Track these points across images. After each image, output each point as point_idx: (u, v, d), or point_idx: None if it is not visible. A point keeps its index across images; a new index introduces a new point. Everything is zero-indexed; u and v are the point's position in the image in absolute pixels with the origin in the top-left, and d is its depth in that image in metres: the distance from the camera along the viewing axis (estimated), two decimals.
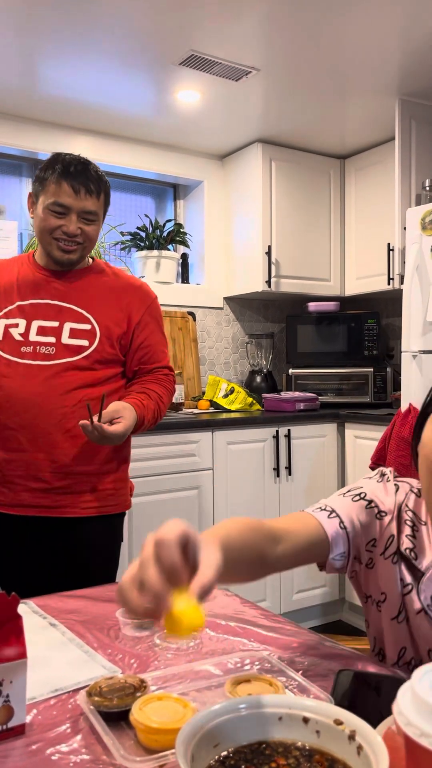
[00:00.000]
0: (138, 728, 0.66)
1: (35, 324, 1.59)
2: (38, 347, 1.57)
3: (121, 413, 1.51)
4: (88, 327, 1.60)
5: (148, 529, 2.52)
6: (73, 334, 1.59)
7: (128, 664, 0.84)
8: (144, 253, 3.25)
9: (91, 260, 1.73)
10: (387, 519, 0.91)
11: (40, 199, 1.58)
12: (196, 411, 3.06)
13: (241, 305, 3.58)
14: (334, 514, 0.91)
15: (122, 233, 3.28)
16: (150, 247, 3.25)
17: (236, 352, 3.58)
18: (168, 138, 3.23)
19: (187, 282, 3.50)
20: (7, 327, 1.59)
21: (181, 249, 3.49)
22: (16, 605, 0.69)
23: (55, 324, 1.59)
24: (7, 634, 0.68)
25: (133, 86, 2.64)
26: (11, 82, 2.60)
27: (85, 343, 1.59)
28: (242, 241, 3.35)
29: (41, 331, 1.59)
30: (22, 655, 0.68)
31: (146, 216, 3.36)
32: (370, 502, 0.93)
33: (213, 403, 3.15)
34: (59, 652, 0.87)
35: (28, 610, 1.02)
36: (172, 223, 3.37)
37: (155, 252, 3.24)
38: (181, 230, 3.35)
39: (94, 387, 1.59)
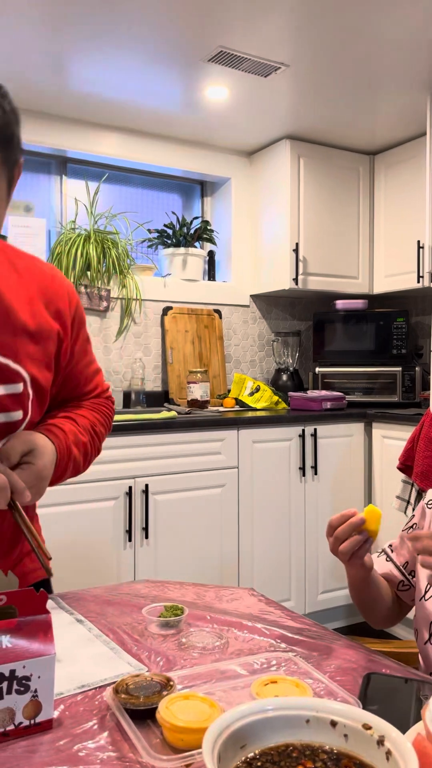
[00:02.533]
0: (164, 727, 0.65)
1: None
2: None
3: (36, 454, 0.95)
4: (19, 388, 1.01)
5: (172, 527, 2.54)
6: (1, 405, 0.99)
7: (154, 661, 0.84)
8: (171, 250, 3.25)
9: None
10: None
11: None
12: (221, 409, 3.06)
13: (268, 303, 3.57)
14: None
15: (149, 230, 3.29)
16: (177, 245, 3.25)
17: (262, 350, 3.57)
18: (195, 135, 3.22)
19: (214, 279, 3.49)
20: None
21: (208, 246, 3.49)
22: (45, 601, 0.69)
23: None
24: (35, 630, 0.68)
25: (162, 83, 2.64)
26: (41, 80, 2.62)
27: (18, 415, 1.01)
28: (269, 238, 3.33)
29: None
30: (51, 651, 0.68)
31: (173, 213, 3.37)
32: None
33: (238, 401, 3.14)
34: (86, 648, 0.88)
35: (55, 606, 1.03)
36: (199, 220, 3.37)
37: (182, 249, 3.24)
38: (208, 227, 3.35)
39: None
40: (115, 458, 2.43)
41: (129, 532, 2.44)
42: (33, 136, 2.94)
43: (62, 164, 3.16)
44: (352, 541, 0.94)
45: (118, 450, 2.44)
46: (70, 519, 2.33)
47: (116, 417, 2.54)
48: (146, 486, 2.48)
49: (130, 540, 2.45)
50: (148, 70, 2.53)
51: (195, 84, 2.65)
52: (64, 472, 1.05)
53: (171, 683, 0.73)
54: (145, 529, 2.47)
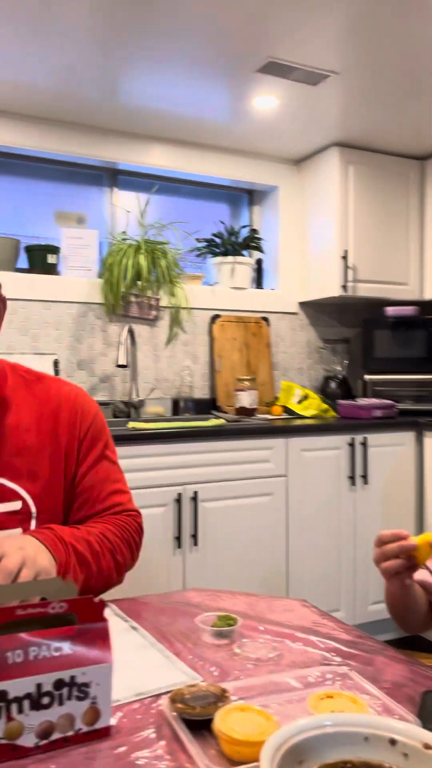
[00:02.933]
0: (221, 738, 0.66)
1: None
2: None
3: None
4: (17, 506, 1.07)
5: (220, 534, 2.54)
6: None
7: (208, 671, 0.85)
8: (219, 259, 3.27)
9: None
10: None
11: None
12: (269, 417, 3.05)
13: (316, 310, 3.55)
14: None
15: (198, 240, 3.32)
16: (225, 254, 3.27)
17: (310, 358, 3.55)
18: (244, 144, 3.24)
19: (262, 287, 3.50)
20: None
21: (256, 254, 3.49)
22: (103, 609, 0.70)
23: None
24: (94, 637, 0.70)
25: (211, 94, 2.67)
26: (94, 95, 2.68)
27: (15, 533, 1.06)
28: (318, 245, 3.32)
29: None
30: (109, 658, 0.70)
31: (221, 222, 3.39)
32: None
33: (286, 409, 3.13)
34: (141, 655, 0.89)
35: (110, 612, 1.05)
36: (248, 228, 3.38)
37: (230, 258, 3.26)
38: (256, 236, 3.36)
39: None
40: (165, 465, 2.45)
41: (178, 539, 2.46)
42: (85, 150, 3.01)
43: (113, 176, 3.22)
44: (396, 564, 0.92)
45: (168, 457, 2.46)
46: None
47: (165, 424, 2.56)
48: (195, 493, 2.49)
49: (179, 547, 2.46)
50: (197, 83, 2.56)
51: (244, 94, 2.66)
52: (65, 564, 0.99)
53: (226, 694, 0.73)
54: (194, 536, 2.48)
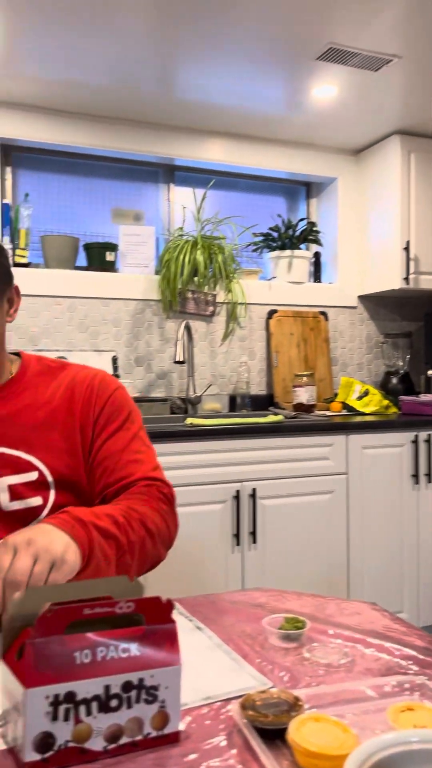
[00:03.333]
0: (296, 750, 0.62)
1: None
2: None
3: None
4: (33, 476, 1.12)
5: (279, 532, 2.50)
6: (15, 493, 1.10)
7: (278, 676, 0.81)
8: (276, 253, 3.22)
9: (13, 369, 1.20)
10: None
11: None
12: (328, 413, 2.99)
13: (376, 304, 3.45)
14: None
15: (254, 234, 3.28)
16: (282, 247, 3.22)
17: (370, 353, 3.46)
18: (301, 136, 3.18)
19: (320, 281, 3.43)
20: None
21: (314, 248, 3.43)
22: (171, 610, 0.68)
23: None
24: (162, 639, 0.67)
25: (268, 86, 2.62)
26: (149, 90, 2.67)
27: (37, 501, 1.11)
28: (378, 237, 3.23)
29: None
30: (178, 661, 0.67)
31: (278, 216, 3.34)
32: None
33: (346, 406, 3.06)
34: (207, 657, 0.86)
35: (174, 612, 1.02)
36: (305, 221, 3.32)
37: (287, 252, 3.21)
38: (314, 228, 3.29)
39: None
40: (223, 462, 2.43)
41: (237, 536, 2.43)
42: (142, 146, 3.01)
43: (170, 172, 3.21)
44: None
45: (226, 454, 2.43)
46: (180, 521, 2.35)
47: (223, 421, 2.54)
48: (254, 490, 2.46)
49: (238, 544, 2.43)
50: (254, 74, 2.52)
51: (302, 84, 2.61)
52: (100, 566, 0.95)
53: (300, 703, 0.69)
54: (253, 533, 2.45)
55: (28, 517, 1.10)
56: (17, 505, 1.10)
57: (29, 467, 1.11)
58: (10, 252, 2.80)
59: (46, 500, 1.11)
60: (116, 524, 1.00)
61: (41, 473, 1.12)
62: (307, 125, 3.04)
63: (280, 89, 2.66)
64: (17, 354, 1.24)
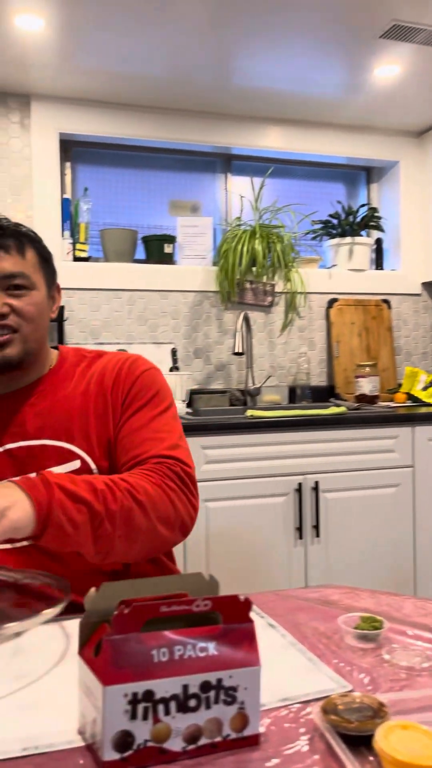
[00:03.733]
0: (384, 759, 0.59)
1: None
2: None
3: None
4: (76, 465, 1.10)
5: (343, 526, 2.45)
6: None
7: (357, 679, 0.78)
8: (336, 240, 3.15)
9: (52, 362, 1.20)
10: None
11: None
12: (392, 404, 2.91)
13: None
14: None
15: (313, 222, 3.21)
16: (342, 234, 3.15)
17: None
18: (361, 119, 3.09)
19: (382, 268, 3.34)
20: None
21: (375, 234, 3.33)
22: (249, 609, 0.66)
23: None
24: (240, 638, 0.65)
25: (328, 68, 2.56)
26: (206, 79, 2.65)
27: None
28: None
29: None
30: (257, 661, 0.65)
31: (338, 202, 3.26)
32: None
33: (411, 396, 2.97)
34: (282, 656, 0.84)
35: None
36: (366, 207, 3.23)
37: (348, 239, 3.13)
38: (376, 214, 3.20)
39: None
40: (284, 454, 2.39)
41: (299, 529, 2.40)
42: (198, 136, 2.99)
43: (227, 162, 3.18)
44: None
45: (287, 446, 2.40)
46: (240, 513, 2.34)
47: (284, 412, 2.50)
48: (316, 483, 2.42)
49: (300, 538, 2.40)
50: (314, 57, 2.46)
51: (364, 64, 2.53)
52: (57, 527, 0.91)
53: (384, 709, 0.66)
54: (316, 527, 2.41)
55: None
56: None
57: (72, 456, 1.11)
58: (70, 247, 2.83)
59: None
60: (93, 491, 0.95)
61: (84, 461, 1.11)
62: (368, 107, 2.96)
63: (340, 71, 2.59)
64: (56, 348, 1.24)
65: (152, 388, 1.16)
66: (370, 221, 3.18)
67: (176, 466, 1.07)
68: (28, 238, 1.13)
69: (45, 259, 1.16)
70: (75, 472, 1.09)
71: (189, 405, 2.78)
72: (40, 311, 1.12)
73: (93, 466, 1.11)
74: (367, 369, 2.91)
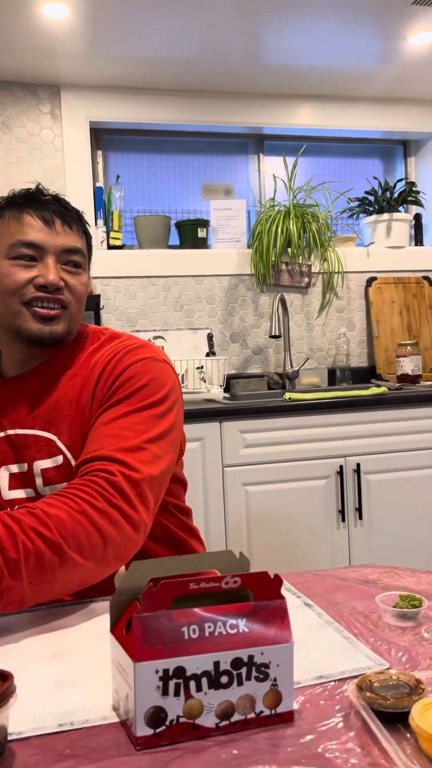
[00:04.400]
0: (421, 735, 0.58)
1: (3, 473, 1.06)
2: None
3: None
4: (59, 460, 1.04)
5: (386, 508, 2.41)
6: (47, 478, 1.04)
7: (396, 657, 0.76)
8: (373, 218, 3.08)
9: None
10: None
11: None
12: None
13: None
14: None
15: (349, 200, 3.15)
16: (380, 211, 3.08)
17: None
18: (395, 90, 3.01)
19: (422, 244, 3.25)
20: None
21: (414, 209, 3.25)
22: (280, 586, 0.65)
23: (24, 468, 1.06)
24: (272, 615, 0.64)
25: (359, 39, 2.49)
26: (237, 59, 2.61)
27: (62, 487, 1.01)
28: None
29: (14, 482, 1.06)
30: (289, 638, 0.64)
31: (375, 178, 3.18)
32: None
33: None
34: (318, 635, 0.83)
35: (282, 588, 1.00)
36: (404, 182, 3.15)
37: (385, 216, 3.06)
38: (414, 189, 3.12)
39: None
40: (325, 436, 2.37)
41: (342, 512, 2.37)
42: (229, 117, 2.95)
43: (259, 142, 3.14)
44: None
45: (327, 428, 2.37)
46: (282, 497, 2.32)
47: (323, 394, 2.47)
48: (357, 465, 2.38)
49: (343, 520, 2.37)
50: (343, 29, 2.39)
51: (395, 33, 2.45)
52: None
53: (422, 686, 0.64)
54: (359, 509, 2.38)
55: None
56: (49, 490, 1.03)
57: (56, 451, 1.04)
58: (104, 235, 2.85)
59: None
60: None
61: (65, 458, 1.04)
62: (402, 77, 2.87)
63: (372, 41, 2.52)
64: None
65: (139, 380, 1.02)
66: (408, 196, 3.10)
67: (116, 476, 0.92)
68: (84, 223, 1.12)
69: (90, 247, 1.15)
70: (57, 467, 1.04)
71: (226, 390, 2.77)
72: (86, 293, 1.10)
73: (73, 463, 1.03)
74: (409, 348, 2.85)
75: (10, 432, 1.07)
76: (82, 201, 2.81)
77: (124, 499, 0.91)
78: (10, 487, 1.06)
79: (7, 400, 1.09)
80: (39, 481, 1.05)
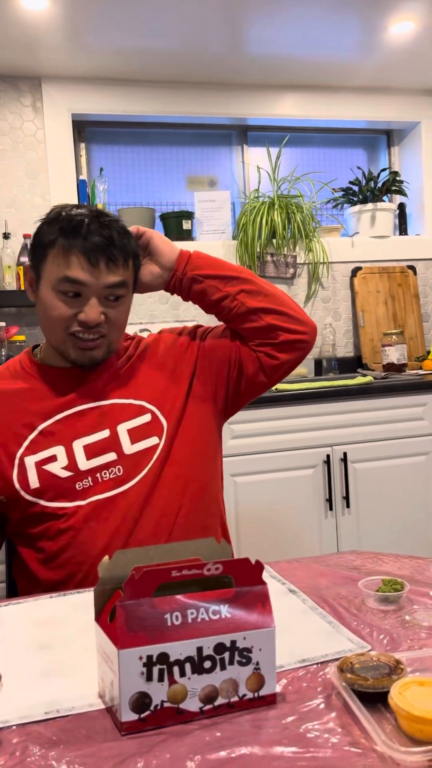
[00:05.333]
0: (399, 714, 0.59)
1: (78, 445, 1.13)
2: (99, 474, 1.11)
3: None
4: (147, 418, 1.17)
5: (373, 497, 2.43)
6: (135, 436, 1.15)
7: (377, 640, 0.78)
8: (357, 207, 3.09)
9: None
10: None
11: (43, 274, 1.11)
12: (421, 372, 2.87)
13: None
14: None
15: (333, 190, 3.15)
16: (364, 201, 3.09)
17: None
18: (378, 79, 3.01)
19: (406, 234, 3.27)
20: (39, 465, 1.11)
21: (398, 199, 3.26)
22: (261, 571, 0.66)
23: (105, 434, 1.14)
24: (253, 601, 0.66)
25: (340, 29, 2.49)
26: (217, 49, 2.60)
27: (153, 441, 1.15)
28: None
29: (91, 451, 1.13)
30: (270, 623, 0.65)
31: (359, 168, 3.19)
32: None
33: None
34: (301, 620, 0.84)
35: (266, 575, 1.01)
36: (387, 172, 3.15)
37: (369, 205, 3.07)
38: (398, 178, 3.13)
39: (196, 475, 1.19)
40: (311, 426, 2.38)
41: (329, 501, 2.39)
42: (213, 108, 2.95)
43: (242, 133, 3.14)
44: None
45: (314, 418, 2.39)
46: (270, 487, 2.34)
47: (309, 384, 2.48)
48: (344, 454, 2.40)
49: (331, 509, 2.39)
50: (326, 19, 2.39)
51: (377, 23, 2.45)
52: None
53: (401, 666, 0.66)
54: (346, 498, 2.40)
55: (150, 455, 1.15)
56: (138, 446, 1.15)
57: (138, 410, 1.17)
58: None
59: (161, 436, 1.16)
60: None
61: (151, 411, 1.18)
62: (384, 67, 2.87)
63: (354, 31, 2.52)
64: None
65: (177, 328, 1.32)
66: (392, 186, 3.11)
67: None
68: (131, 245, 1.13)
69: (137, 255, 1.16)
70: (147, 424, 1.17)
71: None
72: (127, 316, 1.17)
73: (160, 416, 1.18)
74: (394, 337, 2.87)
75: (89, 405, 1.16)
76: (66, 194, 2.80)
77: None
78: (89, 457, 1.13)
79: (74, 380, 1.18)
80: (125, 441, 1.14)
